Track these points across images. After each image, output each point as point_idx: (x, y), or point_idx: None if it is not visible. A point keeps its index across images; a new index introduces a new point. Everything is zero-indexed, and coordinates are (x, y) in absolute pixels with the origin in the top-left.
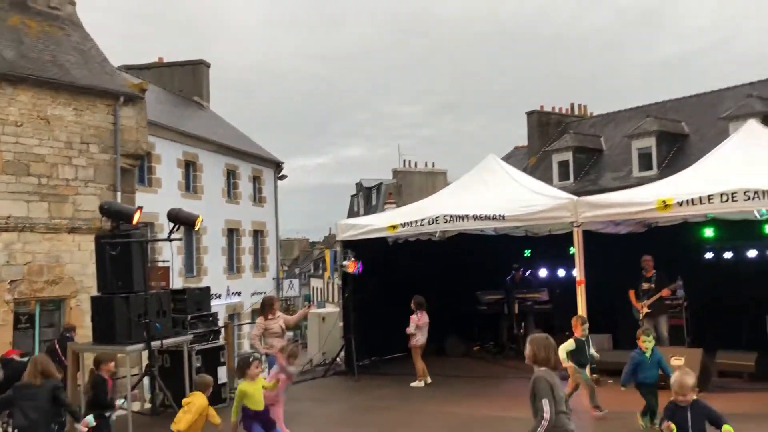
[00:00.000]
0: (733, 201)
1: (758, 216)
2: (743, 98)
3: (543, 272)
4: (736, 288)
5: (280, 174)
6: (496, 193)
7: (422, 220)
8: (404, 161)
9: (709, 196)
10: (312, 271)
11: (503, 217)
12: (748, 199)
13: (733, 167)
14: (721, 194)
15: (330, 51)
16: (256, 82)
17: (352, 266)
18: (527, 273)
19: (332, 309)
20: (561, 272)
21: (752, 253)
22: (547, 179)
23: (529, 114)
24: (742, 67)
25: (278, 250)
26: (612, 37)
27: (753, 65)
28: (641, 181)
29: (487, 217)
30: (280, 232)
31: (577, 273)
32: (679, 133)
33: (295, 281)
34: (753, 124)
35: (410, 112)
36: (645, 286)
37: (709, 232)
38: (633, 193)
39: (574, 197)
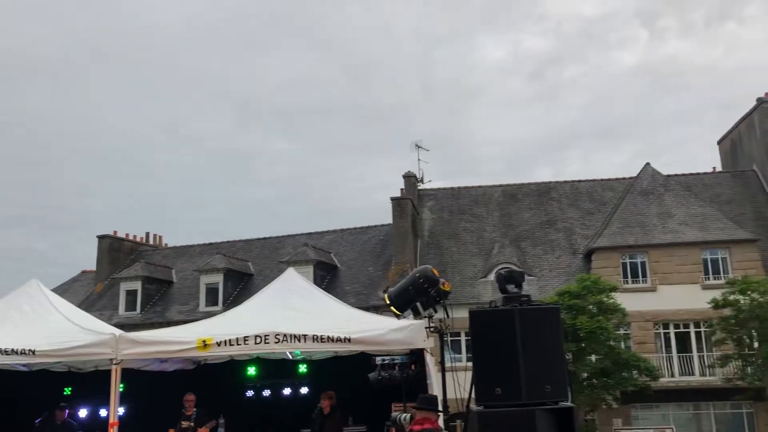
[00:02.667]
0: (265, 343)
1: (291, 357)
2: (301, 246)
3: (83, 412)
4: (272, 425)
5: None
6: (34, 325)
7: None
8: None
9: (245, 337)
10: None
11: (33, 352)
12: (279, 341)
13: (269, 311)
14: (256, 336)
15: None
16: None
17: None
18: (66, 414)
19: None
20: (103, 412)
21: (287, 391)
22: (113, 307)
23: (101, 238)
24: (300, 219)
25: None
26: (194, 176)
27: (310, 218)
28: (207, 316)
29: (14, 352)
30: None
31: (111, 415)
32: (245, 272)
33: None
34: (291, 272)
35: None
36: (184, 424)
37: (252, 371)
38: (175, 332)
39: (117, 332)
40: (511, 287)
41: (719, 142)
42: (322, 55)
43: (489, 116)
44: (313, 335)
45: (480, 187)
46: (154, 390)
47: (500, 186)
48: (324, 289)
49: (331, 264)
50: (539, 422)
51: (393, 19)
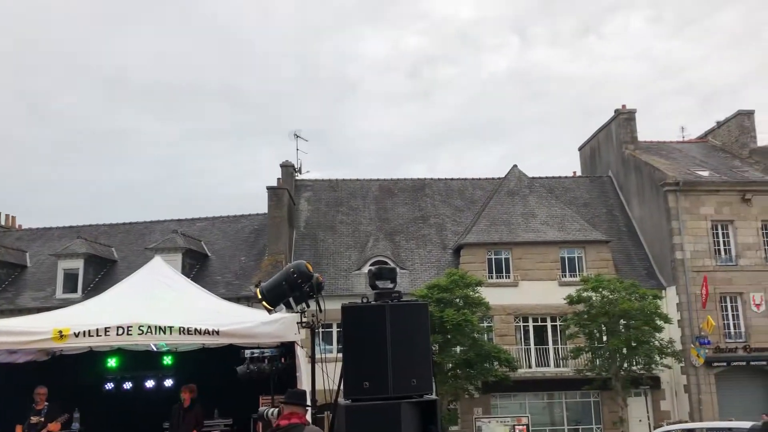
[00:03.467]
0: (128, 334)
1: (155, 349)
2: (169, 233)
3: None
4: (132, 418)
5: None
6: None
7: None
8: None
9: (105, 328)
10: None
11: None
12: (142, 333)
13: (133, 301)
14: (118, 327)
15: None
16: None
17: None
18: None
19: None
20: None
21: (150, 383)
22: None
23: None
24: (170, 205)
25: None
26: (58, 155)
27: (181, 204)
28: (64, 303)
29: None
30: None
31: None
32: (108, 258)
33: None
34: (157, 261)
35: None
36: (33, 419)
37: (112, 362)
38: (28, 321)
39: None
40: (382, 283)
41: (580, 149)
42: (198, 35)
43: (368, 110)
44: (180, 327)
45: (358, 180)
46: (7, 384)
47: (377, 180)
48: (193, 279)
49: (201, 252)
50: (404, 415)
51: (274, 4)
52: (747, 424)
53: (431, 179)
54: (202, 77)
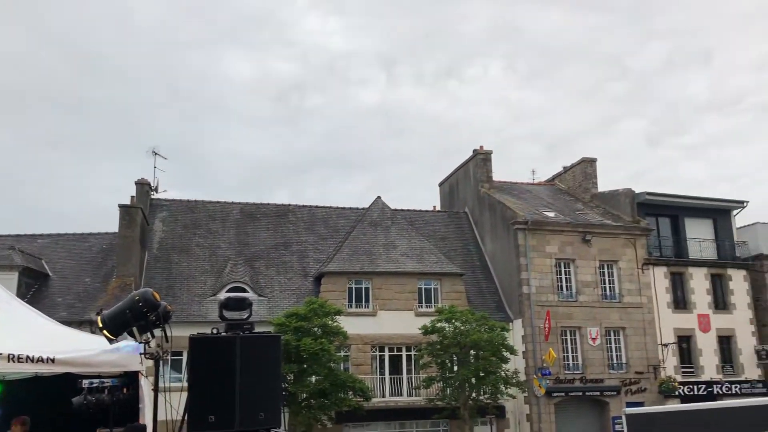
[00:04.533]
0: None
1: None
2: (5, 249)
3: None
4: None
5: None
6: None
7: None
8: None
9: None
10: None
11: None
12: None
13: None
14: None
15: None
16: None
17: None
18: None
19: None
20: None
21: None
22: None
23: None
24: (7, 219)
25: None
26: None
27: (19, 219)
28: None
29: None
30: None
31: None
32: None
33: None
34: None
35: None
36: None
37: None
38: None
39: None
40: (230, 314)
41: (440, 184)
42: (43, 37)
43: (230, 132)
44: (9, 354)
45: (218, 202)
46: None
47: (239, 204)
48: (30, 300)
49: (41, 272)
50: None
51: (134, 17)
52: None
53: (295, 206)
54: (47, 82)
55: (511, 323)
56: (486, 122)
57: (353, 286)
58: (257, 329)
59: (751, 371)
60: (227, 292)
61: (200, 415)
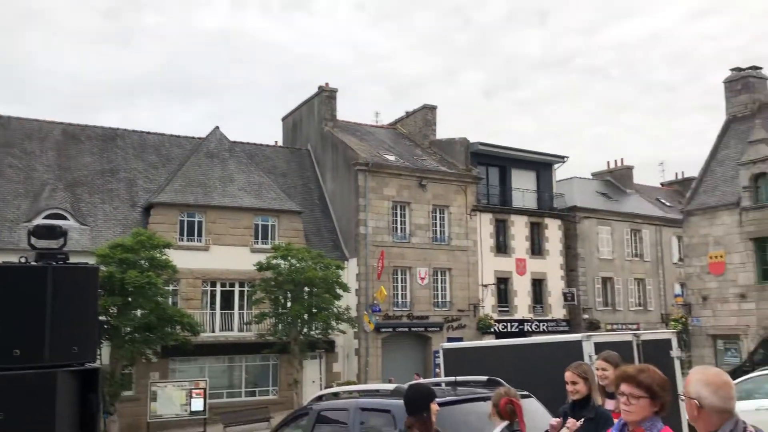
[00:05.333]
0: None
1: None
2: None
3: None
4: None
5: None
6: None
7: None
8: None
9: None
10: None
11: None
12: None
13: None
14: None
15: None
16: None
17: None
18: None
19: None
20: None
21: None
22: None
23: None
24: None
25: None
26: None
27: None
28: None
29: None
30: None
31: None
32: None
33: None
34: None
35: None
36: None
37: None
38: None
39: None
40: (39, 242)
41: (283, 119)
42: None
43: (53, 44)
44: None
45: (36, 120)
46: None
47: (60, 123)
48: None
49: None
50: (60, 384)
51: None
52: (392, 386)
53: (125, 130)
54: None
55: (346, 262)
56: (332, 60)
57: (185, 219)
58: (78, 260)
59: (558, 311)
60: (45, 218)
61: (4, 349)
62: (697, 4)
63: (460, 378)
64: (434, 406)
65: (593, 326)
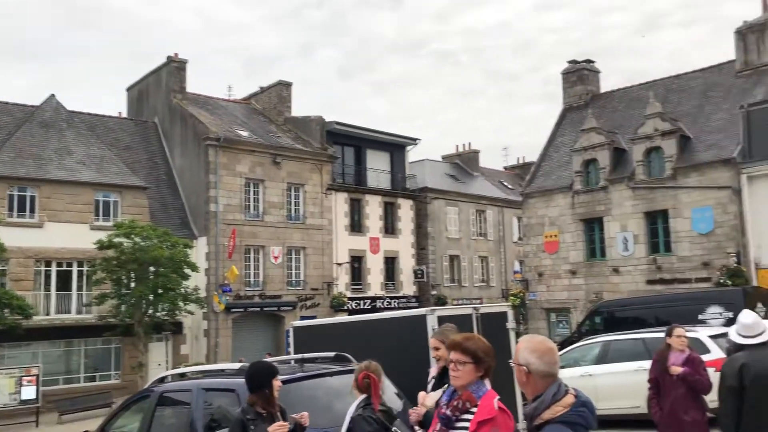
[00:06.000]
0: None
1: None
2: None
3: None
4: None
5: None
6: None
7: None
8: None
9: None
10: None
11: None
12: None
13: None
14: None
15: None
16: None
17: None
18: None
19: None
20: None
21: None
22: None
23: None
24: None
25: None
26: None
27: None
28: None
29: None
30: None
31: None
32: None
33: None
34: None
35: None
36: None
37: None
38: None
39: None
40: None
41: (128, 89)
42: None
43: None
44: None
45: None
46: None
47: None
48: None
49: None
50: None
51: None
52: (237, 366)
53: None
54: None
55: (195, 240)
56: (183, 29)
57: (15, 193)
58: None
59: (408, 288)
60: None
61: None
62: None
63: (308, 355)
64: (276, 383)
65: (441, 302)
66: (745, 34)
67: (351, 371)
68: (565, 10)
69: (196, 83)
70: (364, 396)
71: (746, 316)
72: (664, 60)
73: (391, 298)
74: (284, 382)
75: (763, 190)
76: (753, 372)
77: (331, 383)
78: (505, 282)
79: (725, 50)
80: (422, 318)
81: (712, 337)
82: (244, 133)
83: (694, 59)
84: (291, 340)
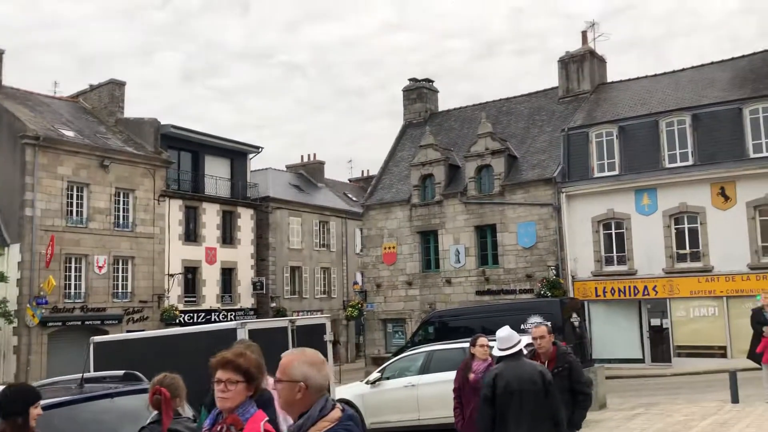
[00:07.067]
0: None
1: None
2: None
3: None
4: None
5: None
6: None
7: None
8: None
9: None
10: None
11: None
12: None
13: None
14: None
15: None
16: None
17: None
18: None
19: None
20: None
21: None
22: None
23: None
24: None
25: None
26: None
27: None
28: None
29: None
30: None
31: None
32: None
33: None
34: None
35: None
36: None
37: None
38: None
39: None
40: None
41: None
42: None
43: None
44: None
45: None
46: None
47: None
48: None
49: None
50: None
51: None
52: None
53: None
54: None
55: (7, 248)
56: (4, 20)
57: None
58: None
59: (247, 300)
60: None
61: None
62: (389, 18)
63: (93, 374)
64: (35, 411)
65: (280, 314)
66: (567, 63)
67: (143, 391)
68: (410, 32)
69: (16, 77)
70: (154, 413)
71: (502, 330)
72: (500, 86)
73: (228, 310)
74: (49, 407)
75: (580, 207)
76: (504, 381)
77: (122, 405)
78: (347, 293)
79: (551, 79)
80: (232, 332)
81: (527, 346)
82: (69, 133)
83: (524, 86)
84: (91, 356)
